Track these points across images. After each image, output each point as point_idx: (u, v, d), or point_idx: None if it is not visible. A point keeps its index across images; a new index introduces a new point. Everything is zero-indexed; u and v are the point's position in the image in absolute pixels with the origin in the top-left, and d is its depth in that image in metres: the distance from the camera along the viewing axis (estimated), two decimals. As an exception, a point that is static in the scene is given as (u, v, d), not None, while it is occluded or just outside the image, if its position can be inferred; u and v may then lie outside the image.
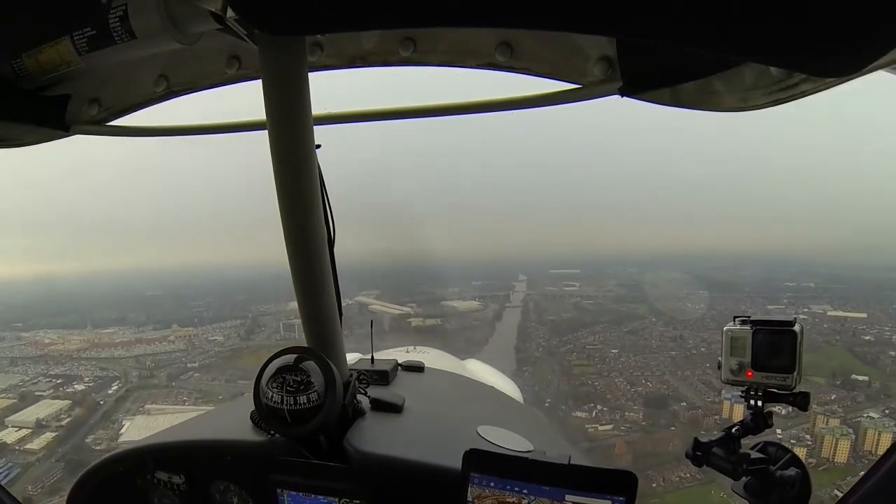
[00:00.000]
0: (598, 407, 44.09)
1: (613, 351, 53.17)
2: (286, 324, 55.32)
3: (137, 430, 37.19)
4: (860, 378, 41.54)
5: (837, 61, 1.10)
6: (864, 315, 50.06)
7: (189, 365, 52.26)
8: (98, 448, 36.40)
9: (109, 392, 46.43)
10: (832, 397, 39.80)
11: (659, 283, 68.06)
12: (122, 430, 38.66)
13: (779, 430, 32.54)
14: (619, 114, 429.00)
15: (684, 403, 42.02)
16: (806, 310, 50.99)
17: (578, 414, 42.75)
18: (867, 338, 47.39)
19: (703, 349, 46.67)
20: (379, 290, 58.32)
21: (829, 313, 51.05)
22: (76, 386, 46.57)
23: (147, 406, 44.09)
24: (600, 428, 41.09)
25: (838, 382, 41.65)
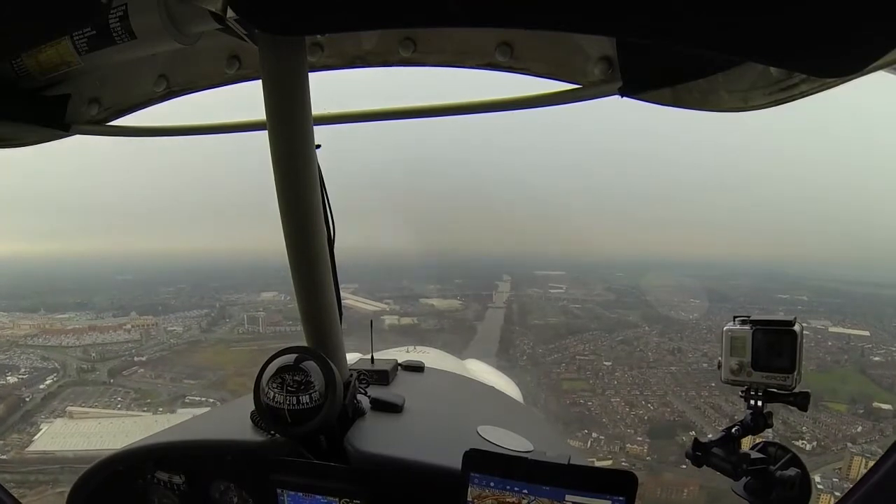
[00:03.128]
0: (594, 435, 38.75)
1: (606, 363, 49.37)
2: (250, 316, 52.93)
3: (52, 437, 34.20)
4: (884, 407, 38.81)
5: (837, 61, 1.11)
6: (867, 333, 48.16)
7: (136, 359, 49.15)
8: (2, 457, 33.28)
9: (42, 387, 42.80)
10: (858, 429, 36.89)
11: (650, 290, 66.28)
12: (36, 437, 34.97)
13: (817, 478, 29.05)
14: (607, 116, 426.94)
15: (693, 433, 36.13)
16: (806, 324, 47.30)
17: (571, 443, 34.29)
18: (876, 358, 45.32)
19: (704, 365, 43.32)
20: (357, 285, 55.13)
21: (830, 329, 48.86)
22: (8, 378, 42.89)
23: (70, 408, 39.95)
24: (598, 464, 35.16)
25: (861, 411, 38.88)
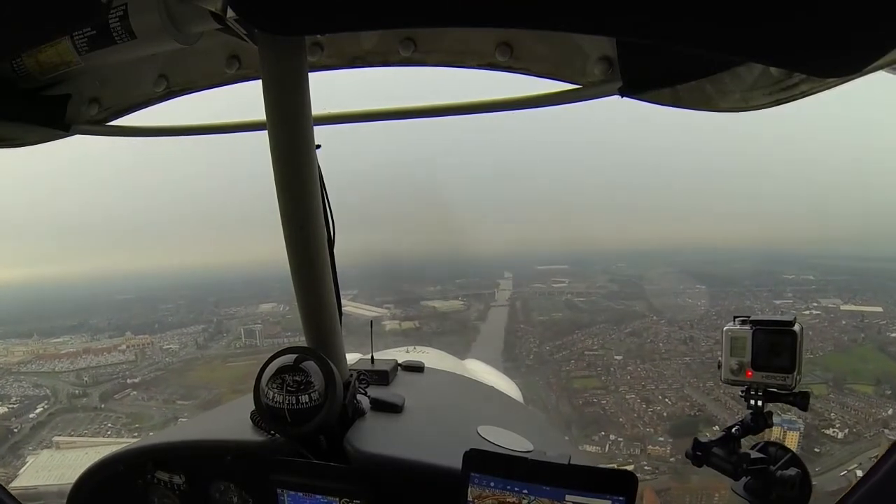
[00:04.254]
0: (612, 437, 35.55)
1: (617, 357, 46.67)
2: (247, 329, 51.05)
3: (37, 470, 32.56)
4: (913, 385, 36.37)
5: (837, 61, 1.11)
6: (881, 309, 45.89)
7: (129, 381, 46.62)
8: (-18, 497, 31.22)
9: (32, 416, 40.54)
10: (889, 412, 34.60)
11: (654, 279, 64.67)
12: (21, 471, 32.96)
13: (859, 472, 26.72)
14: (604, 107, 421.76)
15: (717, 428, 31.38)
16: (815, 304, 47.14)
17: (588, 448, 33.18)
18: (894, 335, 43.05)
19: (719, 353, 39.54)
20: (356, 291, 52.33)
21: (842, 307, 46.73)
22: (-1, 408, 41.02)
23: (56, 438, 37.46)
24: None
25: (888, 392, 36.63)
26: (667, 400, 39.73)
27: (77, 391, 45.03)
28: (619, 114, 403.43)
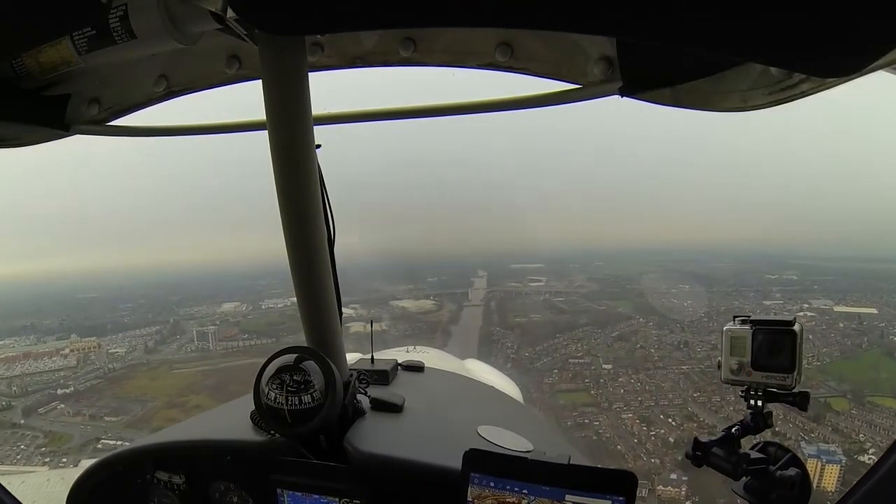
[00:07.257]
0: None
1: (606, 367, 42.58)
2: (199, 331, 48.55)
3: None
4: (934, 395, 33.45)
5: (837, 61, 1.10)
6: (875, 311, 44.27)
7: (60, 391, 42.10)
8: None
9: None
10: None
11: (636, 278, 63.31)
12: None
13: None
14: (588, 107, 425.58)
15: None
16: (807, 305, 45.56)
17: None
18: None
19: (719, 359, 35.34)
20: None
21: (835, 309, 44.85)
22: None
23: None
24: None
25: None
26: (670, 420, 35.56)
27: (2, 403, 41.30)
28: (598, 113, 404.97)
